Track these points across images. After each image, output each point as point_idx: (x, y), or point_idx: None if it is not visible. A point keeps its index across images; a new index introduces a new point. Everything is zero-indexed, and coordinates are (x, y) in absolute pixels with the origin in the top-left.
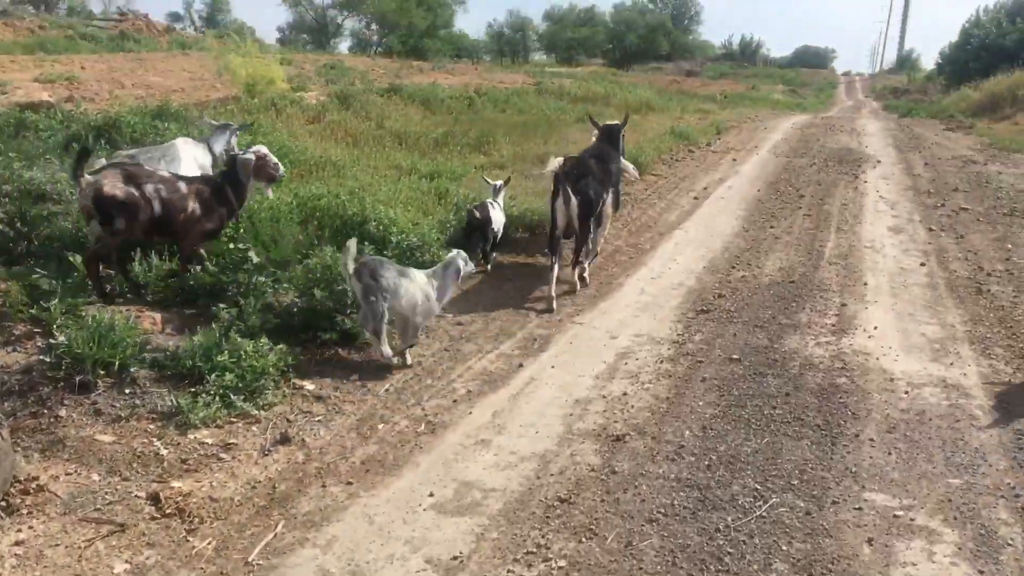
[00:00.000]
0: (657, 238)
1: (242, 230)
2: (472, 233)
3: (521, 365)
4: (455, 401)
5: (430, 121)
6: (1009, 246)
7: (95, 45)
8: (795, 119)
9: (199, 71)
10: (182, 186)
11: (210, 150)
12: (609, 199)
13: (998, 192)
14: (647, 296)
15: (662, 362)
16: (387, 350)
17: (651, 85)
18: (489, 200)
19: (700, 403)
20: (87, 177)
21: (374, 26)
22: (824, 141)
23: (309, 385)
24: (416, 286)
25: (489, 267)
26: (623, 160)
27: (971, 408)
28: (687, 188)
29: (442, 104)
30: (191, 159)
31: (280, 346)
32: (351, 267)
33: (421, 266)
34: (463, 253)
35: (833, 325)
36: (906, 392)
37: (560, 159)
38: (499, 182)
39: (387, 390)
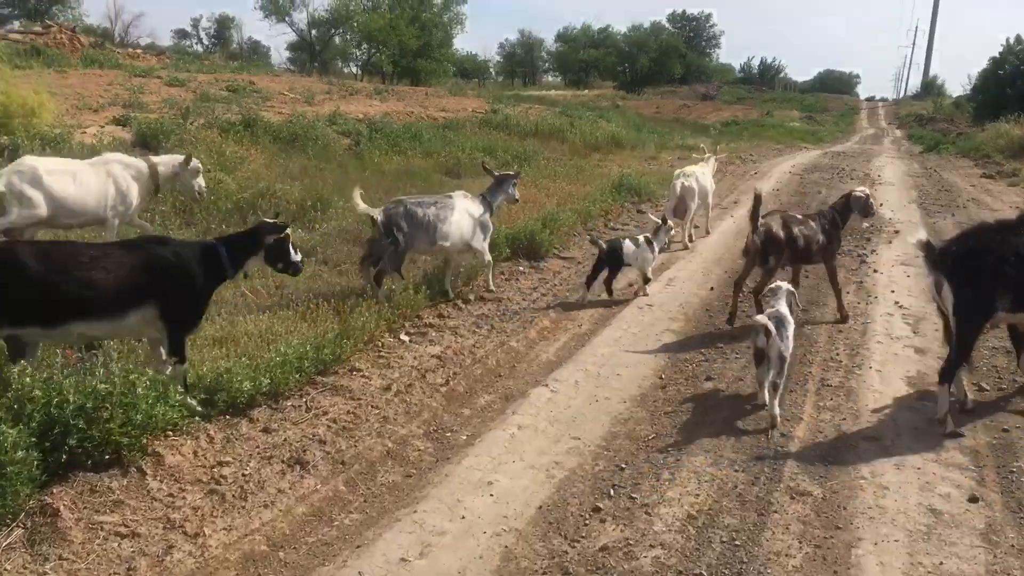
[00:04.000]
0: (499, 408)
1: None
2: None
3: None
4: None
5: (275, 172)
6: None
7: None
8: (799, 158)
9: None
10: None
11: None
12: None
13: None
14: None
15: None
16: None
17: (658, 112)
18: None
19: None
20: None
21: (364, 46)
22: (828, 194)
23: None
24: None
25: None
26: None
27: None
28: (598, 286)
29: (314, 144)
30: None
31: None
32: None
33: None
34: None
35: None
36: None
37: None
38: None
39: None
